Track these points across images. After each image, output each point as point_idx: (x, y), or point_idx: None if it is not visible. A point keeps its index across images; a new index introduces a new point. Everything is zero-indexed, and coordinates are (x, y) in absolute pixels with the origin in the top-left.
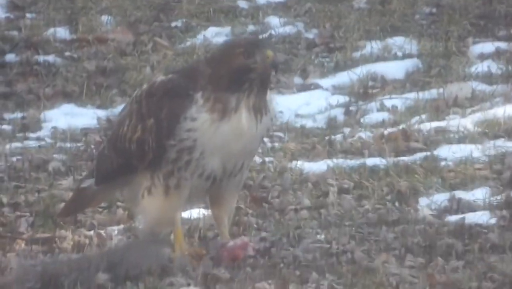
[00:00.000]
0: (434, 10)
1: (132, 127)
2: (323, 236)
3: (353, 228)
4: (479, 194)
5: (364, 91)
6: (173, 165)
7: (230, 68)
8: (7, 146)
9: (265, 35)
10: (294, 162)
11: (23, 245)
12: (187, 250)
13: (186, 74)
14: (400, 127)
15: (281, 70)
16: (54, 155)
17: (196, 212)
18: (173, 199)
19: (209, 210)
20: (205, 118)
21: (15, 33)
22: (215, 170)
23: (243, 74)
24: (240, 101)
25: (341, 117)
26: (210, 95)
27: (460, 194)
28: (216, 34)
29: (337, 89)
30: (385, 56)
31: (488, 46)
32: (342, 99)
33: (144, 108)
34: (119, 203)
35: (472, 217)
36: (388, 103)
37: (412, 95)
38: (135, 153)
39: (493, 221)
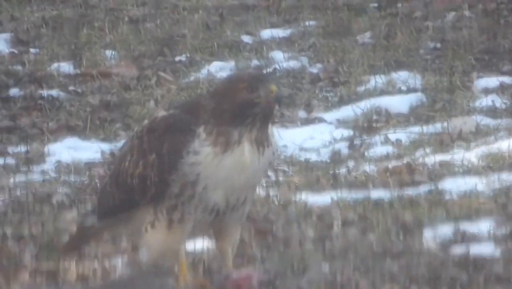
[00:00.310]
0: (438, 45)
1: (134, 163)
2: (327, 268)
3: (358, 260)
4: (483, 226)
5: (369, 125)
6: (176, 200)
7: (234, 102)
8: (11, 180)
9: (269, 70)
10: (298, 195)
11: (27, 277)
12: (191, 281)
13: (187, 109)
14: (405, 160)
15: (285, 104)
16: (58, 189)
17: (200, 244)
18: (177, 233)
19: (213, 242)
20: (208, 151)
21: (19, 67)
22: (218, 204)
23: (247, 108)
24: (242, 135)
25: (345, 151)
26: (213, 129)
27: (464, 226)
28: (220, 69)
29: (341, 123)
30: (390, 90)
31: (492, 81)
32: (346, 133)
33: (146, 144)
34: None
35: (477, 249)
36: (393, 137)
37: (417, 129)
38: (137, 188)
39: (497, 253)
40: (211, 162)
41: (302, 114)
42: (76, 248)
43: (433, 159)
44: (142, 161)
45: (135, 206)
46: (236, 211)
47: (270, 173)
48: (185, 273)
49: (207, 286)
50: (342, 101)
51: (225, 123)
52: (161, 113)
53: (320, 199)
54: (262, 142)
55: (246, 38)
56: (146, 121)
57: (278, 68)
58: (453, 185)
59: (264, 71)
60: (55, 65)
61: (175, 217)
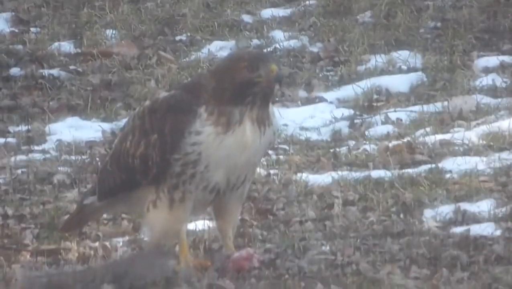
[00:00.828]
0: (438, 24)
1: (135, 143)
2: (328, 248)
3: (358, 240)
4: (484, 206)
5: (369, 104)
6: (177, 179)
7: (234, 82)
8: (12, 159)
9: (269, 49)
10: (299, 175)
11: (28, 256)
12: (192, 261)
13: (188, 89)
14: (405, 139)
15: (286, 84)
16: (59, 168)
17: (201, 224)
18: (178, 212)
19: (214, 222)
20: (210, 131)
21: (20, 47)
22: (219, 183)
23: (247, 88)
24: (243, 114)
25: (345, 130)
26: (214, 109)
27: (465, 206)
28: (220, 48)
29: (341, 102)
30: (390, 69)
31: (492, 60)
32: (347, 112)
33: (147, 124)
34: (124, 215)
35: (477, 229)
36: (393, 116)
37: (417, 108)
38: (139, 169)
39: (498, 232)
40: (213, 141)
41: (302, 93)
42: (75, 227)
43: (434, 138)
44: (144, 141)
45: (137, 186)
46: (236, 191)
47: (270, 152)
48: (186, 253)
49: (208, 266)
50: (343, 81)
51: (225, 103)
52: (163, 93)
53: (320, 178)
54: (263, 121)
55: (246, 18)
56: (147, 101)
57: (278, 47)
58: (454, 165)
59: (265, 51)
60: (56, 44)
61: (176, 196)
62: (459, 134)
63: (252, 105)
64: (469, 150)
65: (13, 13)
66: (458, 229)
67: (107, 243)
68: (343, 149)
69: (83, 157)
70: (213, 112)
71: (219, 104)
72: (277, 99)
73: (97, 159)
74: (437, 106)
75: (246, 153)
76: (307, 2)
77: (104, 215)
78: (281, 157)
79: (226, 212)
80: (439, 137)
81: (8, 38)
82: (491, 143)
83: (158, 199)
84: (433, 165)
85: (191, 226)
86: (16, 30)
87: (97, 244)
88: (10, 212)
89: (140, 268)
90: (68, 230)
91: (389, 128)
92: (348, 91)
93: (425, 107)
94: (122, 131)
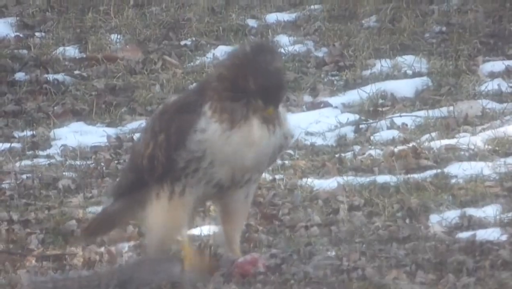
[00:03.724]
0: (444, 28)
1: (145, 144)
2: (333, 253)
3: (364, 245)
4: (490, 211)
5: (374, 109)
6: (180, 172)
7: (231, 79)
8: (17, 164)
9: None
10: (304, 180)
11: (33, 262)
12: (197, 263)
13: (196, 89)
14: (410, 144)
15: (291, 89)
16: (64, 173)
17: (206, 229)
18: (177, 206)
19: (220, 227)
20: (215, 128)
21: (24, 52)
22: (223, 179)
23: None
24: (247, 110)
25: (351, 135)
26: (217, 105)
27: (470, 211)
28: (225, 53)
29: (347, 107)
30: (395, 74)
31: (498, 65)
32: (352, 117)
33: (157, 126)
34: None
35: (483, 234)
36: (398, 121)
37: (422, 113)
38: (146, 168)
39: (504, 237)
40: (219, 138)
41: (307, 98)
42: (98, 232)
43: (439, 143)
44: (153, 142)
45: (145, 186)
46: (240, 188)
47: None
48: (190, 256)
49: (213, 267)
50: (348, 85)
51: (227, 99)
52: (174, 96)
53: (326, 183)
54: (272, 121)
55: (251, 22)
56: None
57: (283, 52)
58: (459, 170)
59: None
60: (61, 49)
61: (177, 188)
62: (465, 139)
63: (254, 104)
64: (474, 155)
65: (18, 18)
66: (464, 234)
67: (112, 248)
68: (348, 154)
69: (88, 162)
70: (217, 109)
71: (222, 101)
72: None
73: (102, 164)
74: (443, 111)
75: (253, 151)
76: (312, 7)
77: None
78: (286, 162)
79: (232, 217)
80: (445, 142)
81: (12, 43)
82: (497, 148)
83: (162, 190)
84: (439, 170)
85: (197, 231)
86: (21, 35)
87: (102, 249)
88: (15, 217)
89: (146, 273)
90: (91, 234)
91: (394, 133)
92: (353, 96)
93: (431, 112)
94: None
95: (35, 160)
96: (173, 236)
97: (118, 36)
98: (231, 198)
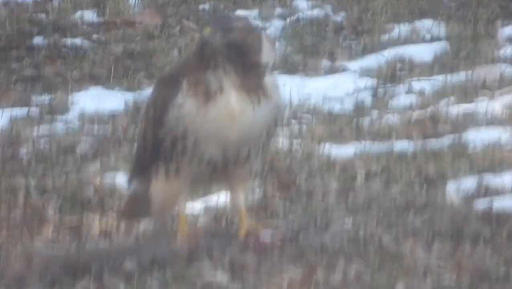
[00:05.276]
0: None
1: (140, 120)
2: (350, 222)
3: (381, 214)
4: (507, 179)
5: (392, 74)
6: (171, 152)
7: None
8: (35, 130)
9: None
10: (321, 146)
11: (50, 231)
12: (189, 236)
13: (182, 61)
14: (428, 110)
15: (309, 53)
16: (83, 137)
17: (222, 199)
18: (174, 184)
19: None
20: (191, 103)
21: (42, 16)
22: (213, 157)
23: (201, 50)
24: (220, 80)
25: (368, 100)
26: (193, 79)
27: (488, 179)
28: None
29: (364, 72)
30: (413, 39)
31: None
32: (370, 81)
33: (148, 101)
34: None
35: (500, 203)
36: (416, 86)
37: (440, 78)
38: (141, 145)
39: None
40: (196, 114)
41: (325, 63)
42: (135, 214)
43: (457, 108)
44: (145, 118)
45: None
46: (241, 168)
47: (293, 121)
48: (184, 229)
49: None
50: (366, 50)
51: (199, 70)
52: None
53: (343, 150)
54: (255, 90)
55: None
56: None
57: (301, 16)
58: (477, 136)
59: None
60: (79, 13)
61: (171, 167)
62: (483, 104)
63: (225, 71)
64: (492, 121)
65: None
66: (481, 202)
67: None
68: (366, 120)
69: (106, 126)
70: (192, 83)
71: (196, 73)
72: (300, 68)
73: (119, 129)
74: (461, 76)
75: (235, 125)
76: None
77: None
78: (303, 128)
79: (235, 187)
80: (463, 107)
81: (31, 7)
82: None
83: (158, 170)
84: (456, 137)
85: (213, 201)
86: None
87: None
88: (33, 183)
89: (151, 248)
90: (129, 216)
91: (412, 98)
92: (371, 60)
93: (449, 77)
94: None
95: (53, 125)
96: (171, 208)
97: (136, 1)
98: (235, 177)
